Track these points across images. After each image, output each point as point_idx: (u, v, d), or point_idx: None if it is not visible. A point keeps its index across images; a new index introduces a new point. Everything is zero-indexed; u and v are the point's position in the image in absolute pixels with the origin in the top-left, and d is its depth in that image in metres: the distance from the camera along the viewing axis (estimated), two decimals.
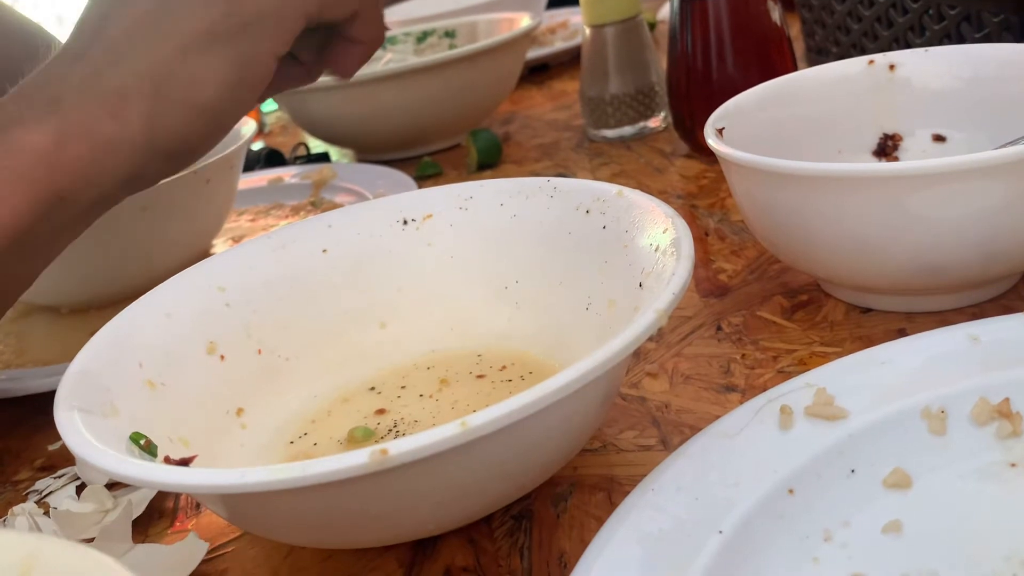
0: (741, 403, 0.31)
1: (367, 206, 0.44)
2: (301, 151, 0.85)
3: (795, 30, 0.78)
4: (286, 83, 0.47)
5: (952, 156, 0.33)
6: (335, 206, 0.68)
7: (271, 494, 0.25)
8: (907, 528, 0.27)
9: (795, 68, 0.61)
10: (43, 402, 0.46)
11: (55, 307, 0.58)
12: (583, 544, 0.30)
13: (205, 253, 0.61)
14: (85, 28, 0.40)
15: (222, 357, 0.38)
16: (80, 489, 0.39)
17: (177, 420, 0.34)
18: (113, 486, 0.39)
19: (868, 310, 0.41)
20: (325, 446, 0.37)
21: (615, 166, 0.67)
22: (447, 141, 0.81)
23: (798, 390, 0.30)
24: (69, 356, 0.41)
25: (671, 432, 0.36)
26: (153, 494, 0.38)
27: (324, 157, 0.84)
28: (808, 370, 0.32)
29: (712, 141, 0.41)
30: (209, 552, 0.34)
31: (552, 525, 0.32)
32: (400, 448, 0.23)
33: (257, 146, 0.86)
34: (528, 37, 0.80)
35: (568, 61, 1.05)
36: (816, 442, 0.29)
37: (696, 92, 0.61)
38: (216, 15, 0.39)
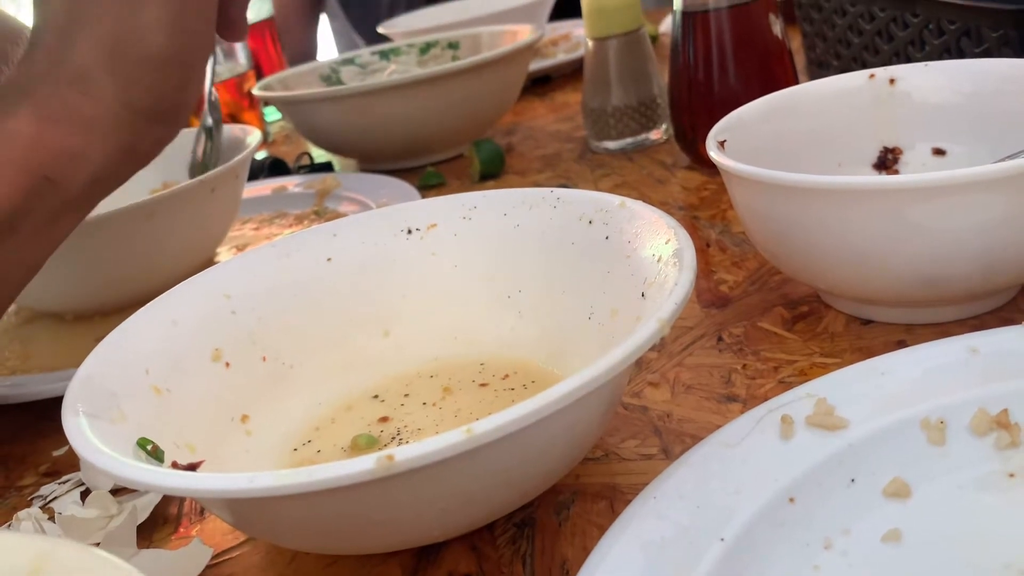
0: (742, 413, 0.31)
1: (372, 215, 0.44)
2: (305, 161, 0.86)
3: (796, 43, 0.78)
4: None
5: (952, 169, 0.34)
6: (339, 215, 0.68)
7: (277, 499, 0.26)
8: (906, 537, 0.27)
9: (796, 81, 0.61)
10: (48, 408, 0.47)
11: (60, 313, 0.59)
12: (585, 552, 0.31)
13: (210, 261, 0.62)
14: (36, 18, 0.41)
15: (227, 364, 0.38)
16: (84, 495, 0.39)
17: (183, 426, 0.34)
18: (118, 492, 0.39)
19: (868, 321, 0.41)
20: (329, 453, 0.37)
21: (617, 177, 0.67)
22: (450, 151, 0.82)
23: (799, 400, 0.31)
24: (74, 362, 0.41)
25: (673, 441, 0.36)
26: (158, 500, 0.38)
27: (328, 167, 0.84)
28: (808, 381, 0.32)
29: (714, 153, 0.41)
30: (213, 558, 0.34)
31: (554, 533, 0.32)
32: (406, 454, 0.24)
33: (261, 155, 0.87)
34: (531, 49, 0.81)
35: (570, 73, 1.05)
36: (817, 451, 0.29)
37: (698, 104, 0.62)
38: None
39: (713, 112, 0.51)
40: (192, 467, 0.32)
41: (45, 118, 0.38)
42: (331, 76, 0.93)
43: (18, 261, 0.40)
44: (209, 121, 0.64)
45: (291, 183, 0.76)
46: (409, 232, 0.43)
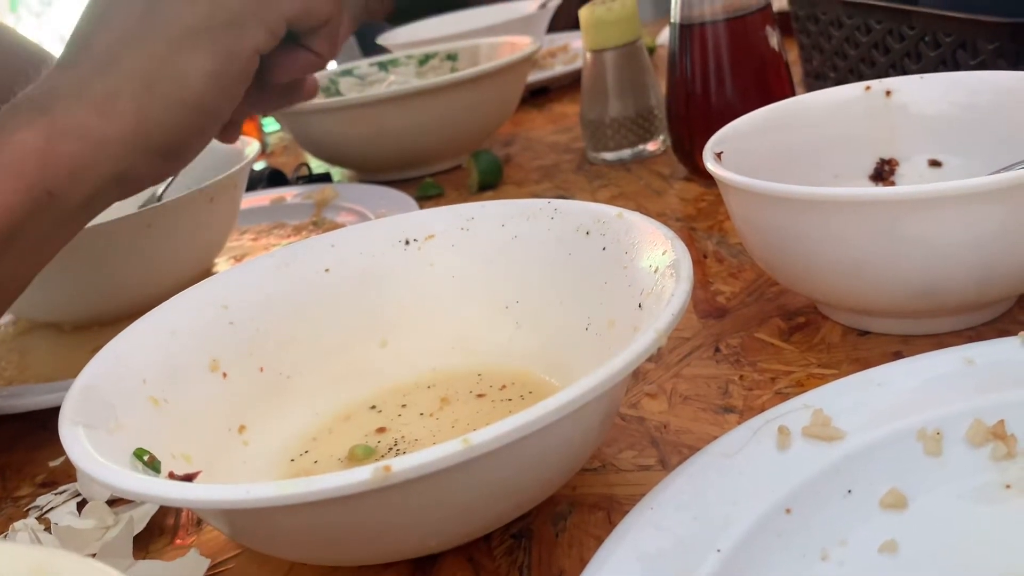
0: (739, 424, 0.31)
1: (369, 226, 0.44)
2: (303, 171, 0.86)
3: (793, 55, 0.78)
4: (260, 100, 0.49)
5: (948, 181, 0.34)
6: (337, 226, 0.68)
7: (274, 510, 0.26)
8: (903, 548, 0.27)
9: (793, 93, 0.62)
10: (45, 418, 0.47)
11: (58, 324, 0.59)
12: (582, 563, 0.31)
13: (207, 271, 0.62)
14: (75, 41, 0.42)
15: (225, 374, 0.38)
16: (81, 505, 0.39)
17: (180, 437, 0.34)
18: (114, 502, 0.39)
19: (865, 332, 0.41)
20: (326, 464, 0.37)
21: (614, 188, 0.68)
22: (449, 162, 0.82)
23: (796, 411, 0.31)
24: (71, 372, 0.41)
25: (670, 452, 0.36)
26: (155, 510, 0.38)
27: (326, 177, 0.85)
28: (805, 391, 0.32)
29: (711, 165, 0.41)
30: (210, 569, 0.34)
31: (551, 544, 0.32)
32: (403, 465, 0.24)
33: (259, 166, 0.87)
34: (529, 61, 0.81)
35: (568, 84, 1.06)
36: (813, 462, 0.29)
37: (695, 116, 0.62)
38: (201, 13, 0.41)
39: (710, 124, 0.51)
40: (189, 478, 0.32)
41: (57, 132, 0.38)
42: (330, 87, 0.93)
43: (12, 274, 0.40)
44: None
45: (289, 193, 0.77)
46: (407, 243, 0.43)
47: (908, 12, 0.60)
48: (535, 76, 1.02)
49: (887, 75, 0.59)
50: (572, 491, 0.35)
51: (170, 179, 0.64)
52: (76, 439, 0.29)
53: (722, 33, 0.60)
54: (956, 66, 0.56)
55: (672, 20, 0.62)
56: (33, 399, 0.47)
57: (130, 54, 0.41)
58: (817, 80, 0.74)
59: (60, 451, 0.45)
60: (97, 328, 0.57)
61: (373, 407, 0.40)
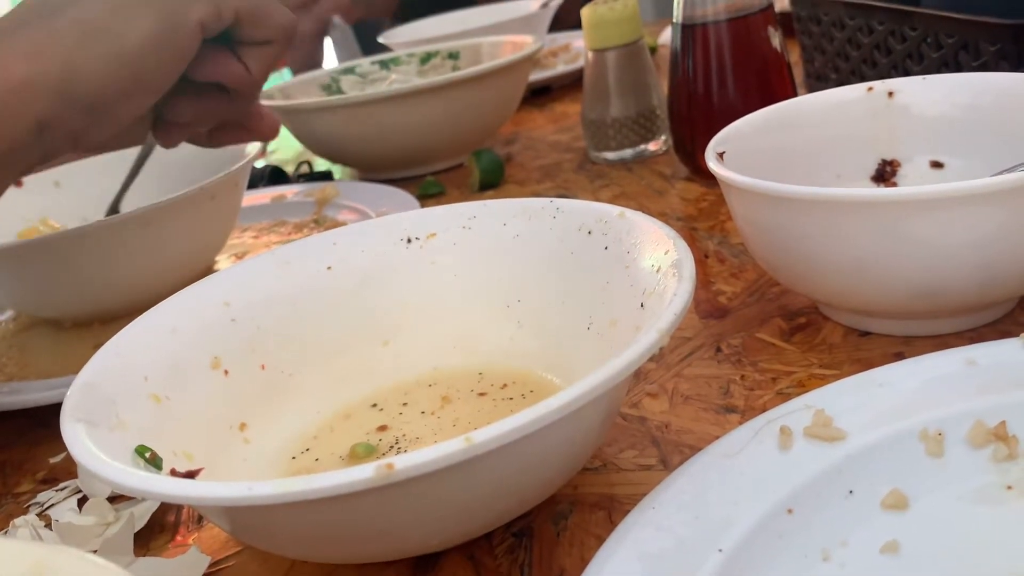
0: (740, 424, 0.31)
1: (372, 224, 0.44)
2: (304, 169, 0.86)
3: (794, 56, 0.78)
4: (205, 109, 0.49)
5: (950, 182, 0.34)
6: (338, 224, 0.68)
7: (276, 507, 0.26)
8: (904, 549, 0.27)
9: (795, 94, 0.62)
10: (45, 414, 0.47)
11: (58, 320, 0.59)
12: (583, 562, 0.31)
13: (208, 269, 0.62)
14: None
15: (226, 372, 0.38)
16: (82, 502, 0.39)
17: (181, 434, 0.34)
18: (115, 499, 0.39)
19: (866, 333, 0.41)
20: (327, 462, 0.37)
21: (616, 188, 0.68)
22: (450, 161, 0.82)
23: (797, 411, 0.31)
24: (71, 369, 0.41)
25: (671, 452, 0.36)
26: (155, 507, 0.38)
27: (327, 175, 0.85)
28: (807, 392, 0.32)
29: (713, 164, 0.41)
30: (211, 566, 0.34)
31: (552, 543, 0.32)
32: (406, 463, 0.24)
33: (260, 164, 0.87)
34: (531, 60, 0.81)
35: (570, 84, 1.06)
36: (815, 463, 0.29)
37: (697, 116, 0.62)
38: None
39: (712, 124, 0.51)
40: (191, 475, 0.32)
41: None
42: (331, 85, 0.93)
43: None
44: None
45: (290, 191, 0.77)
46: (409, 241, 0.43)
47: (910, 13, 0.60)
48: (536, 75, 1.02)
49: (889, 76, 0.59)
50: (573, 490, 0.35)
51: (125, 184, 0.63)
52: (78, 436, 0.29)
53: (724, 33, 0.60)
54: (958, 67, 0.56)
55: (674, 20, 0.62)
56: (34, 395, 0.47)
57: (74, 7, 0.41)
58: (819, 81, 0.74)
59: (61, 447, 0.45)
60: (98, 325, 0.57)
61: (374, 405, 0.40)
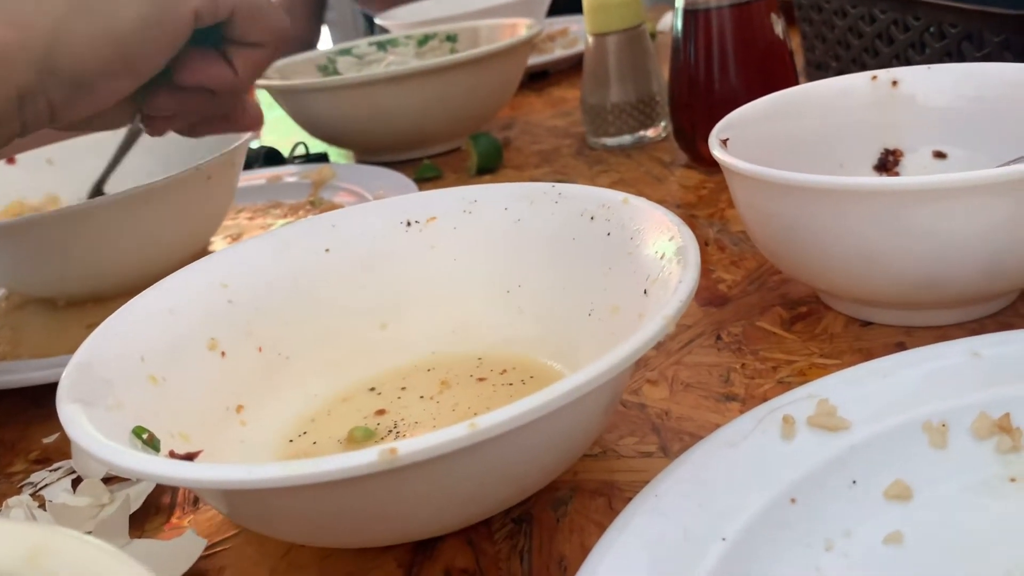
0: (741, 412, 0.31)
1: (371, 207, 0.44)
2: (300, 150, 0.85)
3: (795, 44, 0.78)
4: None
5: (953, 173, 0.34)
6: (334, 206, 0.68)
7: (276, 491, 0.25)
8: (908, 539, 0.27)
9: (797, 82, 0.61)
10: (38, 394, 0.46)
11: (51, 299, 0.58)
12: (583, 548, 0.30)
13: (204, 250, 0.61)
14: None
15: (223, 354, 0.38)
16: (75, 483, 0.39)
17: (178, 415, 0.34)
18: (109, 480, 0.38)
19: (867, 323, 0.41)
20: (324, 445, 0.37)
21: (614, 174, 0.67)
22: (447, 144, 0.81)
23: (801, 400, 0.31)
24: (65, 349, 0.40)
25: (671, 439, 0.36)
26: (151, 489, 0.38)
27: (323, 157, 0.84)
28: (807, 381, 0.32)
29: (717, 151, 0.41)
30: (207, 549, 0.34)
31: (552, 529, 0.32)
32: (409, 448, 0.23)
33: (256, 144, 0.86)
34: (529, 43, 0.80)
35: (568, 68, 1.05)
36: (818, 452, 0.29)
37: (698, 103, 0.62)
38: None
39: (713, 111, 0.51)
40: (190, 457, 0.32)
41: None
42: (328, 66, 0.93)
43: None
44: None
45: (286, 172, 0.76)
46: (409, 224, 0.43)
47: (914, 2, 0.59)
48: (534, 60, 1.01)
49: (891, 66, 0.59)
50: (573, 476, 0.34)
51: (109, 165, 0.63)
52: (75, 416, 0.28)
53: (727, 19, 0.59)
54: (961, 58, 0.56)
55: (677, 5, 0.62)
56: (27, 375, 0.46)
57: None
58: (818, 70, 0.74)
59: (54, 427, 0.45)
60: (92, 304, 0.56)
61: (372, 389, 0.40)
